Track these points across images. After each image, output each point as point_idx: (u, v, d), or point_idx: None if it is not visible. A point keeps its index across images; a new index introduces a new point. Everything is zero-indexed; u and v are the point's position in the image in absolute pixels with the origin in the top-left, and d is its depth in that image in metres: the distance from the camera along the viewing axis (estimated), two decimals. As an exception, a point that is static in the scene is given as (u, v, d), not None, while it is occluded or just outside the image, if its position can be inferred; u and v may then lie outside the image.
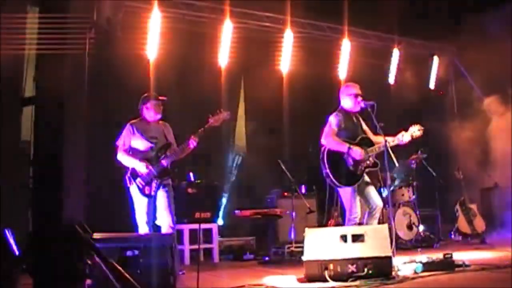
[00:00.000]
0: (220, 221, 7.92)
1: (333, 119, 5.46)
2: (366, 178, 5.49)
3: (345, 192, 5.42)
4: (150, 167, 5.35)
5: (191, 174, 7.44)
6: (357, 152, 5.32)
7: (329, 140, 5.37)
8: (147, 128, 5.51)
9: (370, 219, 5.36)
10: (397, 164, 5.36)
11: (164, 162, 5.41)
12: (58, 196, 2.99)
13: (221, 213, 8.16)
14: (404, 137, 5.48)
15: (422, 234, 7.80)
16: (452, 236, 8.11)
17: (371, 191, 5.46)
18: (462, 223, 8.02)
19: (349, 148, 5.29)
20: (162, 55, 7.36)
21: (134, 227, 5.34)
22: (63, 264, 2.97)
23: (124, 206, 5.53)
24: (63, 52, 3.53)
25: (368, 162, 5.42)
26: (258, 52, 8.38)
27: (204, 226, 7.05)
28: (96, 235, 3.80)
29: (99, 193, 6.34)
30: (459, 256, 5.30)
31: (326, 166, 5.35)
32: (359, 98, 5.49)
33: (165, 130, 5.61)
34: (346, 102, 5.58)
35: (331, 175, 5.32)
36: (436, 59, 9.96)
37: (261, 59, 8.45)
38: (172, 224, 5.33)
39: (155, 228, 5.35)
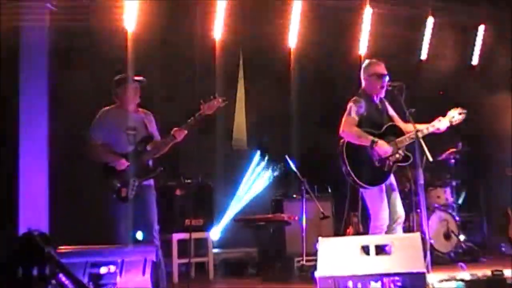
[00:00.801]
0: (215, 230, 7.88)
1: (353, 106, 5.42)
2: (392, 179, 5.49)
3: (370, 194, 5.39)
4: (128, 164, 5.32)
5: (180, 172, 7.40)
6: (383, 147, 5.27)
7: (349, 131, 5.34)
8: (123, 116, 5.49)
9: (388, 231, 5.35)
10: (431, 159, 5.28)
11: (145, 158, 5.39)
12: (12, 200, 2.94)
13: (216, 220, 8.12)
14: (441, 124, 5.43)
15: (463, 245, 7.75)
16: (503, 249, 8.08)
17: (396, 198, 5.46)
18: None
19: (372, 141, 5.24)
20: (143, 26, 7.31)
21: (109, 238, 5.28)
22: (18, 285, 2.92)
23: (97, 212, 5.49)
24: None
25: (397, 155, 5.36)
26: (259, 24, 8.32)
27: (196, 235, 7.02)
28: (62, 248, 3.78)
29: (65, 196, 6.32)
30: (512, 273, 5.23)
31: (346, 162, 5.32)
32: (385, 79, 5.44)
33: (146, 119, 5.59)
34: (369, 84, 5.54)
35: (352, 174, 5.29)
36: (481, 30, 9.83)
37: (263, 33, 8.41)
38: (155, 233, 5.32)
39: (135, 238, 5.36)
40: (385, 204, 5.35)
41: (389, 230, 5.36)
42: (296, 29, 8.51)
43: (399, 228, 5.42)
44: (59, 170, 6.48)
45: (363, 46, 8.88)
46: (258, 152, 8.42)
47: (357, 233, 7.36)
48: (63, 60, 6.78)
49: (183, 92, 7.65)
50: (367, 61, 5.74)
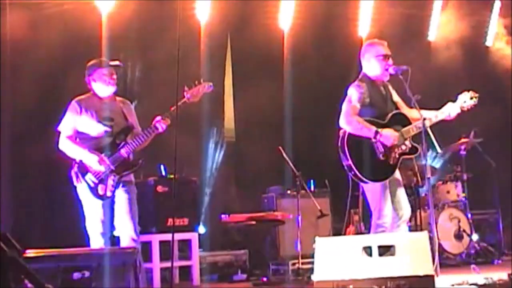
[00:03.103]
0: (201, 230, 7.87)
1: (353, 92, 5.39)
2: (397, 173, 5.46)
3: (373, 189, 5.37)
4: (105, 158, 5.28)
5: (161, 167, 7.37)
6: (388, 136, 5.25)
7: (350, 121, 5.31)
8: (99, 106, 5.45)
9: (392, 230, 5.34)
10: (439, 150, 5.27)
11: (123, 152, 5.36)
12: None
13: (202, 219, 8.10)
14: (451, 110, 5.42)
15: (476, 245, 7.76)
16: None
17: (401, 194, 5.45)
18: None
19: (376, 132, 5.22)
20: (120, 6, 7.26)
21: (84, 239, 5.30)
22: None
23: (70, 212, 5.45)
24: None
25: (403, 147, 5.33)
26: (249, 4, 8.31)
27: (180, 236, 7.01)
28: (30, 252, 3.73)
29: (33, 194, 6.27)
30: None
31: (348, 155, 5.29)
32: (388, 61, 5.41)
33: (124, 109, 5.56)
34: (371, 67, 5.50)
35: (354, 168, 5.27)
36: (497, 5, 9.78)
37: (253, 13, 8.39)
38: (135, 235, 5.30)
39: (113, 240, 5.33)
40: (388, 200, 5.34)
41: (394, 228, 5.35)
42: (289, 10, 8.50)
43: (404, 226, 5.42)
44: (26, 164, 6.43)
45: (364, 27, 8.88)
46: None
47: (358, 232, 7.35)
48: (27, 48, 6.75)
49: (165, 79, 7.57)
50: (367, 42, 5.73)
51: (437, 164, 8.26)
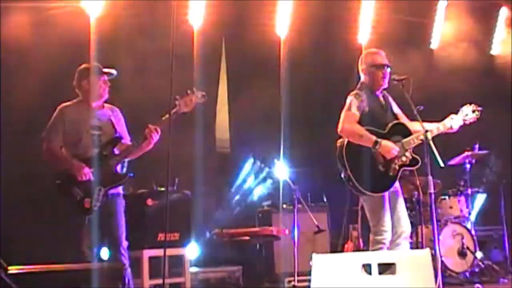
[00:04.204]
0: (193, 245, 7.83)
1: (353, 101, 5.44)
2: (397, 186, 5.49)
3: (371, 202, 5.39)
4: (92, 170, 5.28)
5: (152, 179, 7.36)
6: (387, 147, 5.28)
7: (350, 128, 5.35)
8: (87, 114, 5.46)
9: (391, 246, 5.36)
10: (442, 164, 5.27)
11: (112, 163, 5.37)
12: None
13: (194, 234, 8.08)
14: (453, 122, 5.46)
15: (481, 263, 7.75)
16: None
17: (401, 208, 5.47)
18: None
19: (376, 141, 5.24)
20: (109, 10, 7.30)
21: (70, 256, 5.22)
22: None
23: (54, 227, 5.49)
24: None
25: (404, 158, 5.36)
26: (244, 9, 8.32)
27: (170, 252, 6.93)
28: (13, 269, 3.74)
29: (16, 208, 6.24)
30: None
31: (346, 166, 5.31)
32: (386, 69, 5.46)
33: (113, 117, 5.57)
34: (369, 76, 5.56)
35: (353, 178, 5.29)
36: (504, 12, 9.80)
37: (248, 18, 8.40)
38: (123, 250, 5.32)
39: (100, 257, 5.30)
40: (388, 214, 5.36)
41: (393, 245, 5.36)
42: (286, 16, 8.51)
43: (404, 243, 5.42)
44: (7, 176, 6.42)
45: (364, 35, 8.89)
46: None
47: (357, 249, 7.33)
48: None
49: (157, 87, 7.58)
50: (365, 51, 5.81)
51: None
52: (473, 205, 8.36)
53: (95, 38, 6.70)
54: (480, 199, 8.41)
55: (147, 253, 6.81)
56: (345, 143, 5.36)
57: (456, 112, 5.49)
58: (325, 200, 8.07)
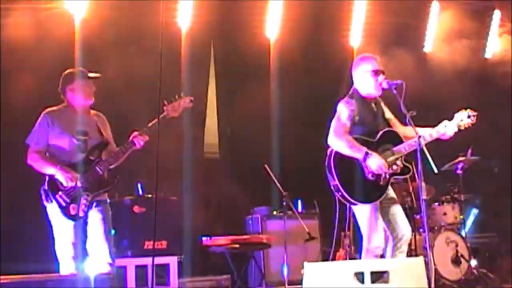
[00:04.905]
0: (180, 253, 7.82)
1: (343, 109, 5.43)
2: (391, 192, 5.49)
3: (362, 212, 5.38)
4: (78, 175, 5.27)
5: (139, 185, 7.34)
6: (375, 162, 5.26)
7: (339, 140, 5.34)
8: (72, 119, 5.44)
9: (394, 252, 5.37)
10: (436, 170, 5.29)
11: (98, 169, 5.36)
12: None
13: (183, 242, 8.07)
14: (447, 129, 5.44)
15: (475, 271, 7.76)
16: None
17: (398, 212, 5.46)
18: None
19: (366, 153, 5.25)
20: (95, 11, 7.28)
21: (54, 264, 5.26)
22: None
23: (40, 234, 5.45)
24: None
25: (395, 167, 5.37)
26: (233, 11, 8.32)
27: (158, 260, 6.96)
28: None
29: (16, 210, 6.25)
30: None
31: (335, 175, 5.32)
32: (380, 76, 5.44)
33: (99, 122, 5.56)
34: (362, 83, 5.54)
35: (342, 188, 5.28)
36: (497, 15, 9.84)
37: (238, 22, 8.41)
38: (110, 259, 5.29)
39: (86, 265, 5.26)
40: (380, 224, 5.36)
41: (395, 250, 5.35)
42: (276, 18, 8.51)
43: (405, 247, 5.41)
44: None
45: (355, 38, 8.91)
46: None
47: (349, 257, 7.34)
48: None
49: (144, 91, 7.60)
50: (359, 56, 5.75)
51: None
52: (469, 212, 8.40)
53: (80, 41, 6.72)
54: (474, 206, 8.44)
55: (133, 262, 6.81)
56: (334, 151, 5.36)
57: (450, 119, 5.46)
58: (316, 207, 8.07)
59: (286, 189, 7.40)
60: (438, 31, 9.45)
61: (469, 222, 8.64)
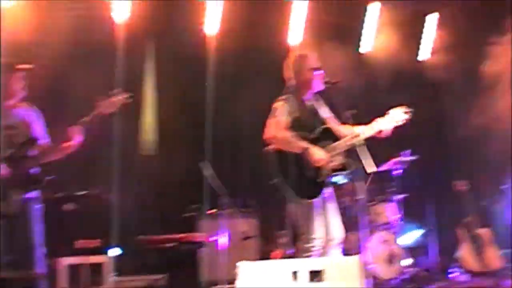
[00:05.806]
0: (114, 252, 7.72)
1: (280, 107, 5.44)
2: (327, 190, 5.49)
3: (303, 209, 5.37)
4: (6, 172, 5.13)
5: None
6: (315, 155, 5.28)
7: (277, 136, 5.34)
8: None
9: (322, 254, 5.38)
10: (368, 170, 5.33)
11: (28, 165, 5.25)
12: None
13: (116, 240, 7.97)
14: (380, 125, 5.46)
15: (410, 270, 7.85)
16: (450, 275, 8.23)
17: (331, 212, 5.47)
18: (466, 256, 8.14)
19: (306, 148, 5.24)
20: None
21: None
22: None
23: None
24: None
25: (336, 162, 5.37)
26: (172, 4, 8.24)
27: (91, 259, 6.88)
28: None
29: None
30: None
31: (275, 172, 5.31)
32: (318, 73, 5.47)
33: (29, 117, 5.45)
34: (299, 80, 5.56)
35: (282, 185, 5.28)
36: (433, 19, 9.98)
37: (176, 16, 8.37)
38: (39, 259, 5.21)
39: (14, 266, 5.11)
40: (318, 222, 5.37)
41: (323, 252, 5.38)
42: (215, 14, 8.49)
43: (335, 251, 5.44)
44: None
45: (293, 36, 8.94)
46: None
47: (286, 256, 7.36)
48: None
49: (79, 85, 7.47)
50: (296, 53, 5.76)
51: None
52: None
53: (6, 30, 6.57)
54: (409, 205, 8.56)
55: (65, 261, 6.72)
56: (272, 148, 5.36)
57: (383, 116, 5.52)
58: (255, 205, 8.08)
59: (223, 187, 7.38)
60: (374, 33, 9.57)
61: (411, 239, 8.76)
